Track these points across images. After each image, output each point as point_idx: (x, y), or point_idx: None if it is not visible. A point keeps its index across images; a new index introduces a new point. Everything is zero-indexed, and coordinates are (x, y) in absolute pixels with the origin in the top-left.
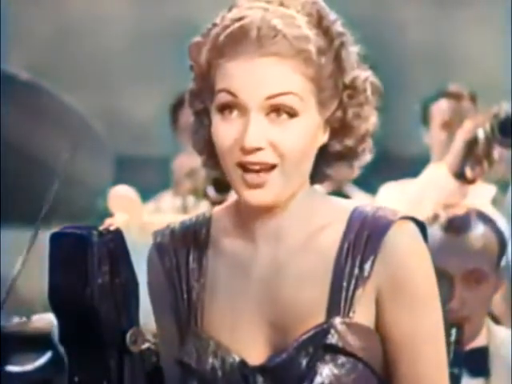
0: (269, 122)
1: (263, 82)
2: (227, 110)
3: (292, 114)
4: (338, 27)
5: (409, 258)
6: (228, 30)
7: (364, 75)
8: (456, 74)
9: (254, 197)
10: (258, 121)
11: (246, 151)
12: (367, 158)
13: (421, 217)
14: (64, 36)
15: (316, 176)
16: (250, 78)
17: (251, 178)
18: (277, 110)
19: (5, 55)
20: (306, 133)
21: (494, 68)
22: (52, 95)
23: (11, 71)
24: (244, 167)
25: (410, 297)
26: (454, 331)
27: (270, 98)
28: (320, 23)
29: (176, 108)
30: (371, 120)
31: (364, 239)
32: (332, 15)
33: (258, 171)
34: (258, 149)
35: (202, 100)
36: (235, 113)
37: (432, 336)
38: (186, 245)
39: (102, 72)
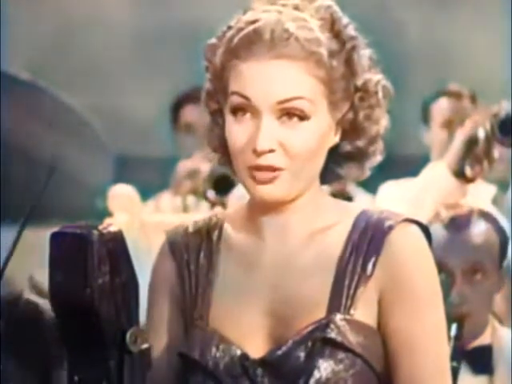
0: (280, 125)
1: (275, 86)
2: (240, 112)
3: (303, 117)
4: (351, 31)
5: (410, 259)
6: (242, 33)
7: (376, 78)
8: (456, 73)
9: (265, 191)
10: (270, 123)
11: (258, 153)
12: (378, 159)
13: (420, 215)
14: (64, 36)
15: (327, 176)
16: (263, 81)
17: (261, 175)
18: (288, 113)
19: (5, 55)
20: (316, 135)
21: (494, 68)
22: (52, 95)
23: (11, 71)
24: (255, 168)
25: (411, 298)
26: (454, 326)
27: (281, 102)
28: (332, 27)
29: (176, 108)
30: (382, 122)
31: (367, 239)
32: (345, 19)
33: (268, 170)
34: (270, 151)
35: (217, 100)
36: (248, 115)
37: (433, 337)
38: (198, 242)
39: (102, 72)
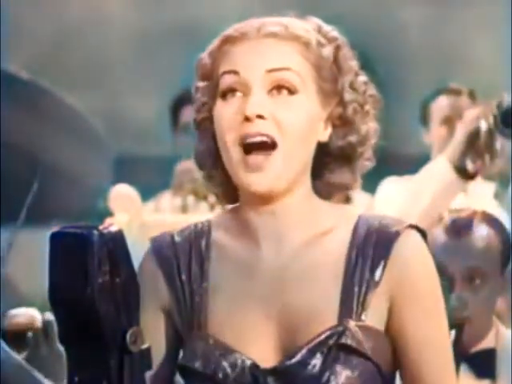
0: (270, 98)
1: (263, 57)
2: (230, 93)
3: (292, 90)
4: (336, 34)
5: (419, 264)
6: (234, 27)
7: (363, 79)
8: (456, 73)
9: (253, 180)
10: (260, 93)
11: (248, 119)
12: (368, 164)
13: (417, 207)
14: (64, 36)
15: (320, 186)
16: (251, 55)
17: (251, 158)
18: (277, 87)
19: (5, 55)
20: (305, 110)
21: (494, 68)
22: (52, 95)
23: (11, 71)
24: (245, 147)
25: (423, 301)
26: (452, 331)
27: (270, 71)
28: (320, 29)
29: (176, 108)
30: (372, 124)
31: (372, 245)
32: (329, 27)
33: (258, 149)
34: (260, 116)
35: (208, 108)
36: (238, 94)
37: (444, 338)
38: (187, 250)
39: (102, 72)
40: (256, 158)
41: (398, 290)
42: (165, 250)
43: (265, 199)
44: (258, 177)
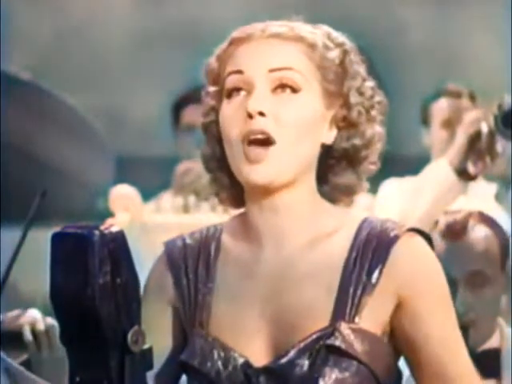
0: (273, 96)
1: (267, 56)
2: (235, 92)
3: (295, 88)
4: (344, 39)
5: (420, 266)
6: (240, 29)
7: (371, 84)
8: (456, 73)
9: (253, 172)
10: (262, 91)
11: (250, 115)
12: (372, 168)
13: (417, 209)
14: (64, 36)
15: (325, 189)
16: (255, 54)
17: (253, 151)
18: (281, 85)
19: (5, 55)
20: (307, 108)
21: (494, 68)
22: (52, 95)
23: (11, 71)
24: (248, 143)
25: (435, 301)
26: None
27: (272, 70)
28: (329, 36)
29: (177, 108)
30: (378, 129)
31: (372, 248)
32: (338, 33)
33: (260, 143)
34: (261, 113)
35: (215, 112)
36: (242, 93)
37: (457, 331)
38: (196, 253)
39: (102, 72)
40: (255, 150)
41: (402, 292)
42: (175, 253)
43: (267, 194)
44: (257, 168)
